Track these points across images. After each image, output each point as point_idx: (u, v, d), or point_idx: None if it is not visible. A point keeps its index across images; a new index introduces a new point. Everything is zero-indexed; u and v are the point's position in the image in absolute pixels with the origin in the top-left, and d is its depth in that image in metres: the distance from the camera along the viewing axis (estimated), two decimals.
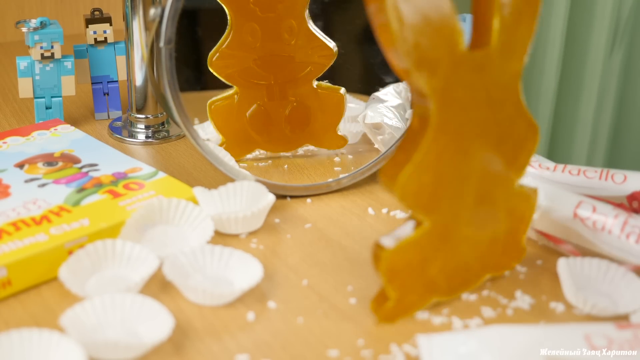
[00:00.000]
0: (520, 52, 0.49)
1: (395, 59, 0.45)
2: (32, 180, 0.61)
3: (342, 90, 0.71)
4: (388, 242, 0.48)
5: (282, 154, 0.72)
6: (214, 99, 0.69)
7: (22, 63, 0.74)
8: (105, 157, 0.65)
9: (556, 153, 1.24)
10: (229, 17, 0.67)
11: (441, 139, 0.47)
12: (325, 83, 0.71)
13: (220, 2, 0.66)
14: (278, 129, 0.70)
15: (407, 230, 0.49)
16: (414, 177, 0.46)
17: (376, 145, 0.72)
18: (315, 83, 0.70)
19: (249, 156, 0.71)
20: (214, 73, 0.68)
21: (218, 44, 0.67)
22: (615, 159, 1.30)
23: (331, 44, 0.69)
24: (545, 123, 1.19)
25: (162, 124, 0.77)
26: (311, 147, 0.73)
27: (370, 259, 0.49)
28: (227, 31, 0.67)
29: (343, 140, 0.71)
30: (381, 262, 0.48)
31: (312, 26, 0.69)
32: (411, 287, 0.49)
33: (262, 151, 0.71)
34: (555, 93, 1.20)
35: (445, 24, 0.45)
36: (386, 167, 0.48)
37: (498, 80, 0.49)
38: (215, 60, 0.67)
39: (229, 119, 0.69)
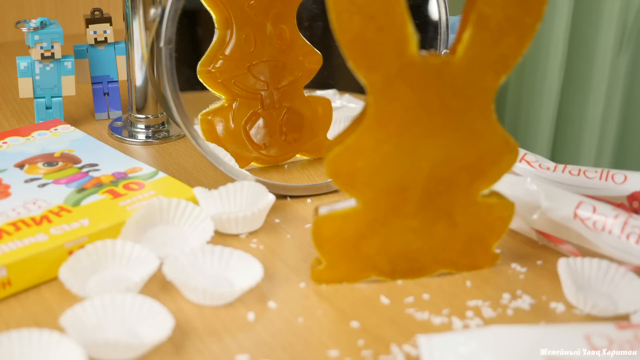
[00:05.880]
0: (498, 69, 0.49)
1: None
2: (32, 180, 0.61)
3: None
4: (323, 210, 0.52)
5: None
6: (205, 111, 0.66)
7: (22, 63, 0.74)
8: (105, 157, 0.65)
9: (563, 155, 1.24)
10: (216, 24, 0.65)
11: (380, 131, 0.49)
12: (308, 91, 0.69)
13: (210, 9, 0.64)
14: (274, 138, 0.68)
15: (344, 205, 0.52)
16: (346, 159, 0.50)
17: None
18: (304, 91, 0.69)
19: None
20: (205, 84, 0.65)
21: (207, 53, 0.65)
22: (622, 161, 1.30)
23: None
24: (548, 125, 1.19)
25: (162, 124, 0.77)
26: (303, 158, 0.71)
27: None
28: (216, 39, 0.65)
29: None
30: (312, 227, 0.52)
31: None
32: (343, 257, 0.52)
33: (254, 164, 0.69)
34: (561, 95, 1.20)
35: (393, 26, 0.46)
36: (332, 142, 0.50)
37: (460, 90, 0.49)
38: (211, 69, 0.65)
39: (224, 132, 0.67)
